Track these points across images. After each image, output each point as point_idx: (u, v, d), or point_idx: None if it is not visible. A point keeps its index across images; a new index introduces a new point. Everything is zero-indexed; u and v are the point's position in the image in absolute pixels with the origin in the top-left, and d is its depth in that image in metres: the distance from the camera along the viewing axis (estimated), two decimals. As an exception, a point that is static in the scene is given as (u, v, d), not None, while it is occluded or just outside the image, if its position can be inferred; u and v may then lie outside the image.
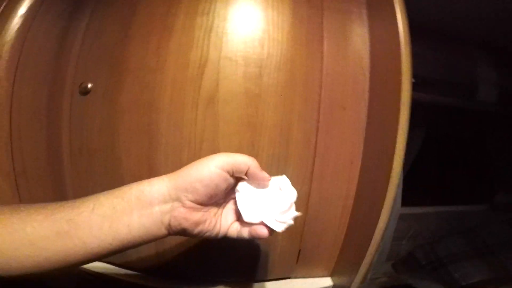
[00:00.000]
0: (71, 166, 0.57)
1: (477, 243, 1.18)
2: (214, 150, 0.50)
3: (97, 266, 0.54)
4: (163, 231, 0.33)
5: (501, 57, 1.22)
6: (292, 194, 0.39)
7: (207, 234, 0.35)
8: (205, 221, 0.35)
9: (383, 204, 0.46)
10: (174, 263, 0.54)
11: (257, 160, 0.37)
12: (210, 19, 0.51)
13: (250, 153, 0.38)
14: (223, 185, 0.34)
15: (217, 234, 0.36)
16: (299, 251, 0.55)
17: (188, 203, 0.33)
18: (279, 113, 0.51)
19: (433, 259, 1.18)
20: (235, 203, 0.37)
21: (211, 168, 0.33)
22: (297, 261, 0.56)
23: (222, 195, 0.36)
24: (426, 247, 1.21)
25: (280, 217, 0.37)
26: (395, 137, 0.45)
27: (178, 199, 0.32)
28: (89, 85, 0.54)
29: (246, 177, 0.37)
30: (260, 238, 0.40)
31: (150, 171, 0.52)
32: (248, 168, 0.35)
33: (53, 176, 0.57)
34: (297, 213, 0.38)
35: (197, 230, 0.34)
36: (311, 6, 0.55)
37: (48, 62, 0.56)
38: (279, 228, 0.36)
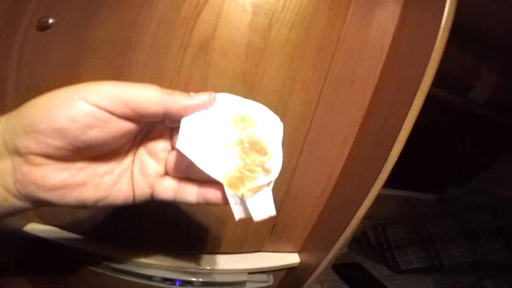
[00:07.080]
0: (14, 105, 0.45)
1: (422, 230, 1.26)
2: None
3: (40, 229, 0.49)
4: (12, 202, 0.21)
5: (507, 61, 1.20)
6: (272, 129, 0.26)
7: (101, 202, 0.23)
8: (84, 184, 0.22)
9: (370, 188, 0.43)
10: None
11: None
12: None
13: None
14: (109, 131, 0.21)
15: (126, 199, 0.24)
16: (274, 225, 0.53)
17: (33, 158, 0.20)
18: (281, 77, 0.44)
19: (383, 241, 1.25)
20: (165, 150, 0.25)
21: (78, 105, 0.19)
22: (269, 236, 0.54)
23: (116, 144, 0.23)
24: (379, 228, 1.28)
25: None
26: (402, 121, 0.40)
27: (17, 151, 0.20)
28: (50, 20, 0.41)
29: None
30: (213, 205, 0.26)
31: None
32: (163, 109, 0.22)
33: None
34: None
35: (70, 198, 0.21)
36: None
37: None
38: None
